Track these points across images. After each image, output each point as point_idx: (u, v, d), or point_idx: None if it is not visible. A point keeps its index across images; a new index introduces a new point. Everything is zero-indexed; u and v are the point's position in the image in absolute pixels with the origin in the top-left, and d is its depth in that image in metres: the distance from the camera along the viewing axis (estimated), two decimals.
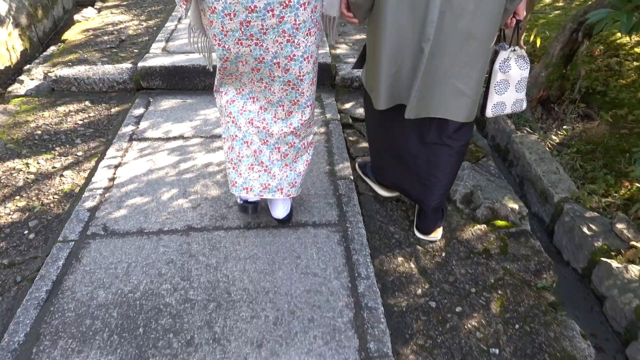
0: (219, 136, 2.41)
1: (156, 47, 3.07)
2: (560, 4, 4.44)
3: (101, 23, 3.63)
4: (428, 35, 1.40)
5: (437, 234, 1.89)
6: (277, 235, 1.80)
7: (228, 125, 1.68)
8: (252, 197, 1.77)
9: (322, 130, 2.47)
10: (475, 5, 1.35)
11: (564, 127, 2.61)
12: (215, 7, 1.35)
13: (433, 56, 1.44)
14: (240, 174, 1.72)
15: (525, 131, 2.60)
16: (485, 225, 1.96)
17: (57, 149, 2.35)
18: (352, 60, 3.03)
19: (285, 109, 1.61)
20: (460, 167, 2.04)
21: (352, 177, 2.11)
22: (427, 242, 1.87)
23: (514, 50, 1.55)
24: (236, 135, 1.66)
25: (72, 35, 3.47)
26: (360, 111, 2.64)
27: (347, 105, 2.75)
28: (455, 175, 1.78)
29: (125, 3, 4.03)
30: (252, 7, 1.33)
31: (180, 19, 3.52)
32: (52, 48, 3.41)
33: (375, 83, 1.59)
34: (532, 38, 3.37)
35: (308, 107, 1.62)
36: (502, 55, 1.55)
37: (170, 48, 3.07)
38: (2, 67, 3.58)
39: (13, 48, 3.84)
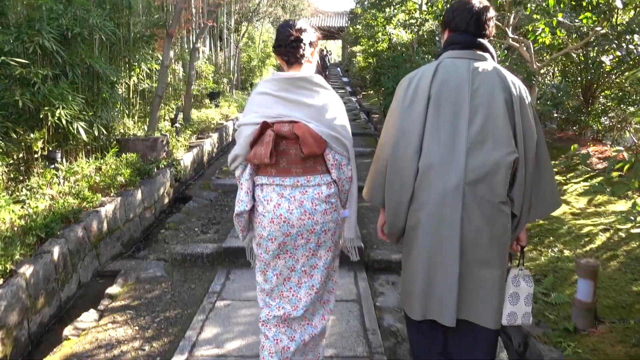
0: None
1: None
2: None
3: (92, 343, 2.77)
4: (453, 264, 1.79)
5: None
6: None
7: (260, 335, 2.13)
8: None
9: None
10: (488, 236, 1.80)
11: None
12: (262, 234, 2.00)
13: (462, 280, 1.80)
14: None
15: None
16: None
17: None
18: None
19: (308, 312, 2.08)
20: None
21: None
22: None
23: (521, 269, 1.98)
24: (267, 336, 2.07)
25: None
26: None
27: None
28: None
29: (136, 303, 3.26)
30: (287, 233, 1.97)
31: (193, 346, 2.63)
32: None
33: (410, 294, 1.92)
34: None
35: (324, 304, 2.15)
36: (513, 272, 1.97)
37: None
38: None
39: None
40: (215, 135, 9.24)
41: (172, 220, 5.03)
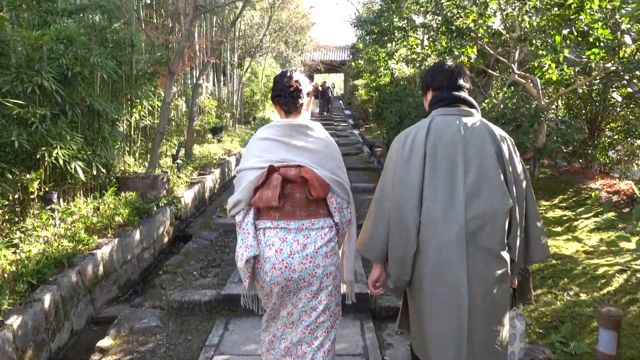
0: None
1: None
2: None
3: None
4: (462, 314, 1.81)
5: None
6: None
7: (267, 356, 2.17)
8: None
9: None
10: (493, 283, 1.85)
11: None
12: (265, 279, 2.00)
13: (472, 330, 1.83)
14: None
15: None
16: None
17: None
18: None
19: (302, 350, 2.08)
20: None
21: None
22: None
23: (515, 309, 2.10)
24: None
25: None
26: None
27: None
28: None
29: (127, 358, 3.06)
30: (289, 278, 1.98)
31: None
32: None
33: (423, 346, 1.93)
34: None
35: (319, 350, 2.08)
36: (508, 314, 1.97)
37: None
38: None
39: None
40: (217, 171, 9.15)
41: (170, 263, 4.85)
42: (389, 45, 8.50)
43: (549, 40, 3.75)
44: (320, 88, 22.14)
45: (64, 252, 4.14)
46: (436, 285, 1.85)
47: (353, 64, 16.11)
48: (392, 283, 1.99)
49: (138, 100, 7.22)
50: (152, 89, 7.83)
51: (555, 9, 3.91)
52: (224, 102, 14.63)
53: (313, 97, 2.25)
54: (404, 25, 7.80)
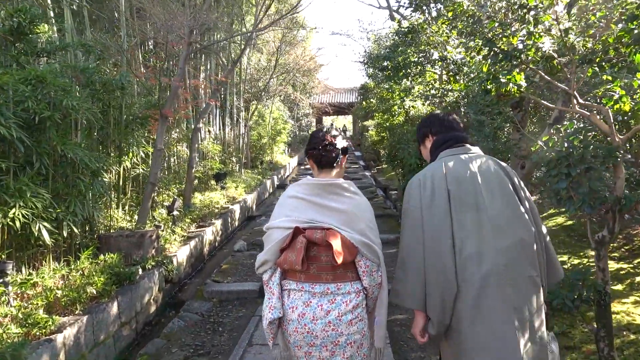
0: None
1: None
2: None
3: None
4: (514, 343, 1.80)
5: None
6: None
7: None
8: None
9: None
10: (534, 308, 1.88)
11: None
12: (289, 340, 1.99)
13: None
14: None
15: None
16: None
17: None
18: None
19: None
20: None
21: None
22: None
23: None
24: None
25: None
26: None
27: None
28: None
29: None
30: (312, 343, 1.93)
31: None
32: None
33: None
34: None
35: None
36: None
37: None
38: None
39: None
40: (218, 222, 8.28)
41: (147, 351, 3.90)
42: (404, 81, 7.77)
43: (627, 60, 2.93)
44: None
45: (9, 342, 3.23)
46: (476, 324, 1.84)
47: (365, 103, 15.50)
48: (433, 329, 1.96)
49: (128, 147, 6.48)
50: (145, 134, 7.12)
51: (621, 24, 3.11)
52: (229, 146, 13.96)
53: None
54: (420, 60, 7.09)
